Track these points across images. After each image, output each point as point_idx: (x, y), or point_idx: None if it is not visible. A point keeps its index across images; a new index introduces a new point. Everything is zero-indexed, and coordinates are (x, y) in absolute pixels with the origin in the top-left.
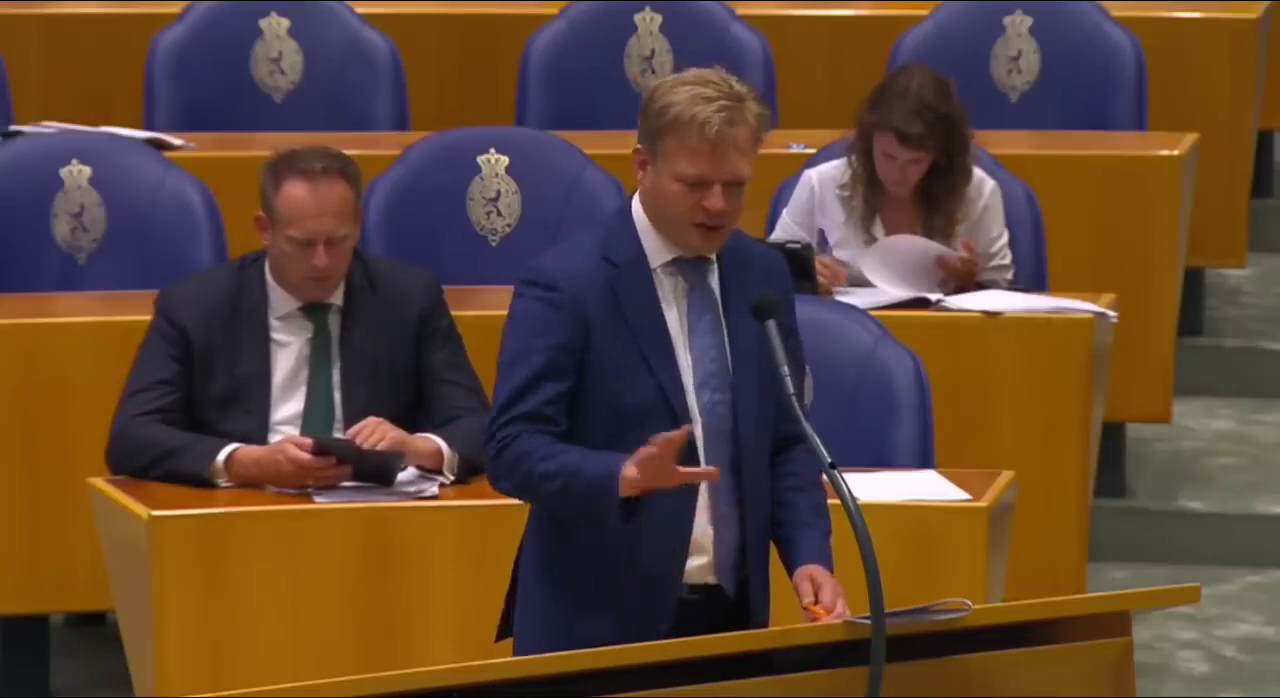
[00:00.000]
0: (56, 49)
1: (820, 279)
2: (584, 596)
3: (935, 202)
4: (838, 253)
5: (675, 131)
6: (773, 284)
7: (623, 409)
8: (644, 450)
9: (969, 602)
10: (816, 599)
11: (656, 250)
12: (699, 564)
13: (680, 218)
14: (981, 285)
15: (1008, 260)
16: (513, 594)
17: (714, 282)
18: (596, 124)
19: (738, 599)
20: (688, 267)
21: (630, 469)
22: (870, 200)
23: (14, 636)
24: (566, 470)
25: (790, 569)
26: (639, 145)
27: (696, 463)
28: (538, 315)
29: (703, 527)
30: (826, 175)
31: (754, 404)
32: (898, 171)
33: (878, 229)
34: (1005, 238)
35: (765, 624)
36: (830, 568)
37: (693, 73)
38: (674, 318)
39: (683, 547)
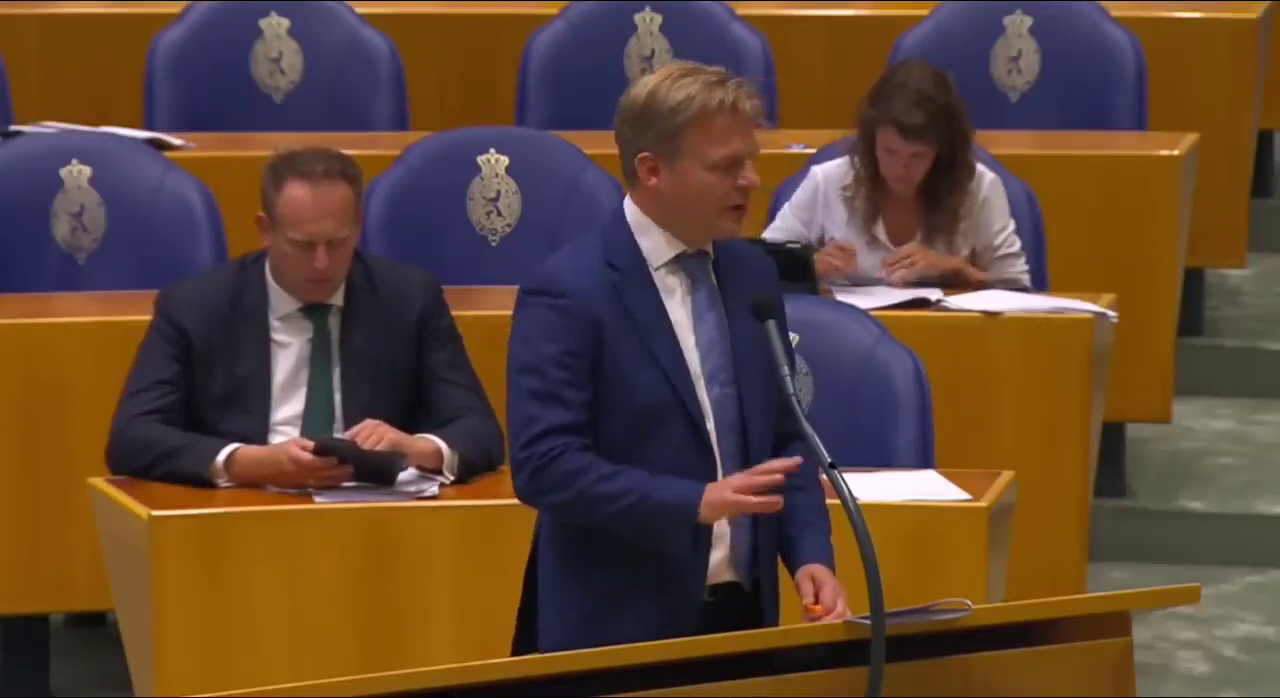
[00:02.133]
0: (56, 49)
1: (834, 262)
2: (609, 598)
3: (938, 198)
4: None
5: (699, 122)
6: (763, 284)
7: (639, 410)
8: (750, 496)
9: (969, 602)
10: (817, 599)
11: (657, 250)
12: (718, 561)
13: (715, 206)
14: (984, 284)
15: (1015, 248)
16: (524, 611)
17: (712, 277)
18: (596, 124)
19: (752, 596)
20: (691, 263)
21: (722, 494)
22: (873, 199)
23: (14, 636)
24: (633, 493)
25: (791, 569)
26: (644, 152)
27: (712, 458)
28: (550, 323)
29: (721, 524)
30: (831, 174)
31: (758, 397)
32: (901, 167)
33: (880, 230)
34: (1010, 227)
35: (776, 624)
36: (832, 567)
37: (673, 68)
38: (679, 315)
39: (706, 543)
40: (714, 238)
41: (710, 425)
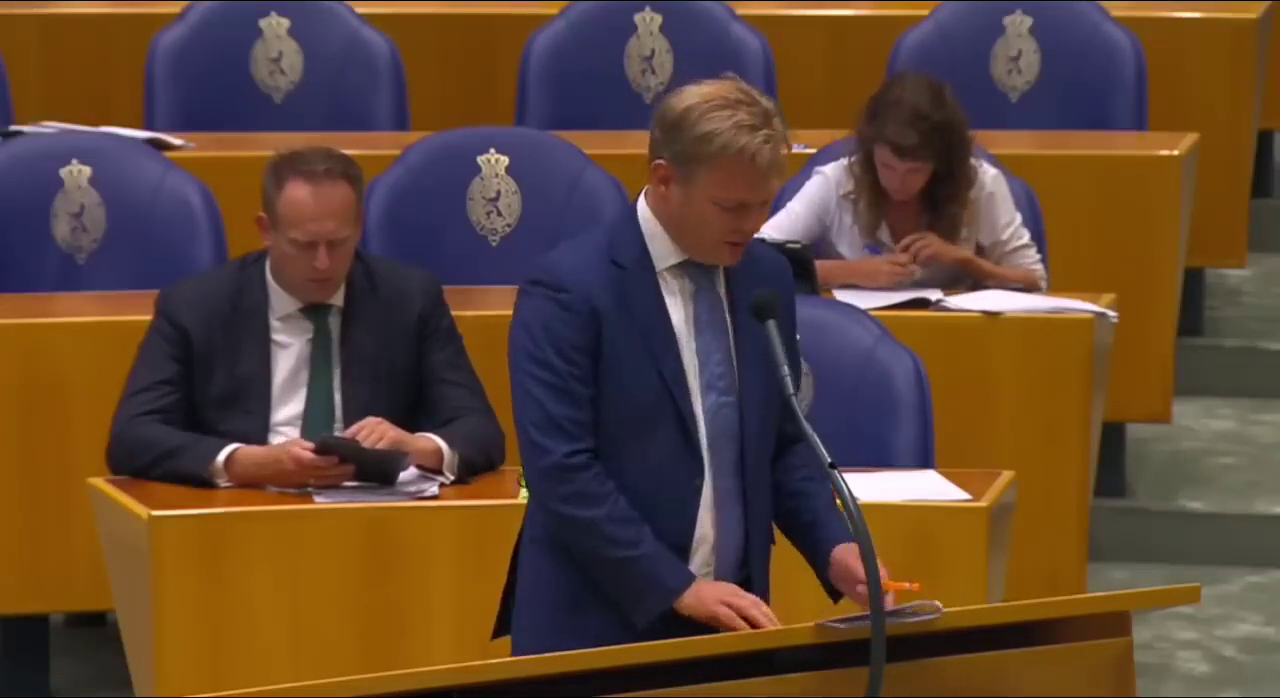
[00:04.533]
0: (56, 49)
1: (899, 271)
2: (583, 590)
3: (938, 207)
4: (842, 252)
5: (720, 162)
6: (775, 288)
7: (629, 408)
8: (733, 611)
9: (939, 604)
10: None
11: (663, 253)
12: (700, 566)
13: (713, 238)
14: (995, 275)
15: (1025, 239)
16: (509, 592)
17: (720, 285)
18: (596, 124)
19: None
20: (695, 269)
21: (698, 605)
22: (875, 206)
23: (14, 636)
24: (637, 547)
25: (822, 548)
26: (661, 160)
27: (700, 464)
28: (553, 315)
29: (705, 529)
30: (835, 176)
31: (759, 407)
32: (899, 181)
33: (884, 233)
34: (1017, 220)
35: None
36: None
37: (716, 90)
38: (680, 320)
39: (684, 548)
40: (708, 262)
41: (701, 432)
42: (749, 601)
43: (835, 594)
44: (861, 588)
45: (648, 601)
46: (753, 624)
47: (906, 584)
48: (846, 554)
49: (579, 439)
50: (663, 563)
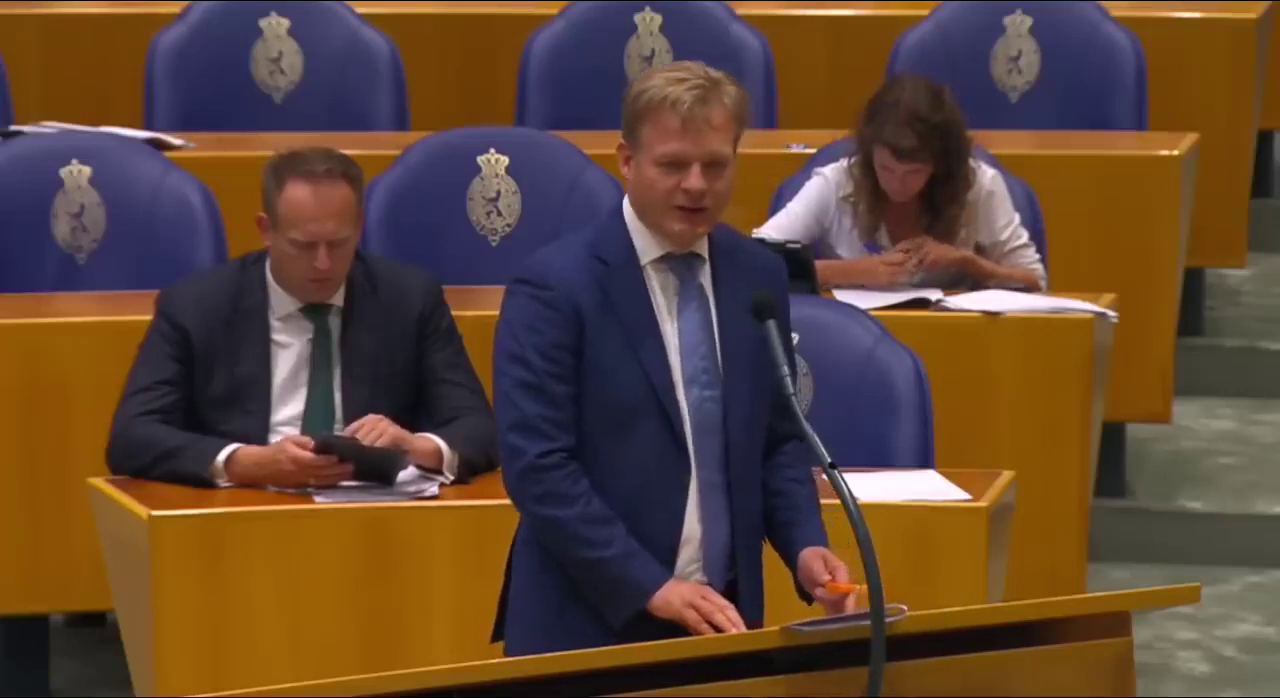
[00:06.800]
0: (56, 49)
1: (896, 273)
2: (570, 590)
3: (937, 209)
4: (841, 254)
5: (650, 115)
6: (769, 284)
7: (614, 405)
8: (699, 615)
9: (905, 607)
10: (834, 578)
11: (647, 247)
12: (686, 562)
13: (661, 202)
14: (995, 275)
15: (1024, 239)
16: (506, 594)
17: (705, 280)
18: (596, 124)
19: (726, 598)
20: (678, 263)
21: (666, 607)
22: (875, 209)
23: (14, 636)
24: (609, 549)
25: (793, 550)
26: (622, 141)
27: (687, 460)
28: (535, 313)
29: (691, 525)
30: (832, 179)
31: (744, 402)
32: (898, 183)
33: (882, 236)
34: (1015, 220)
35: (759, 623)
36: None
37: (675, 65)
38: (664, 314)
39: (672, 546)
40: (668, 238)
41: (687, 427)
42: (716, 605)
43: (807, 597)
44: (820, 591)
45: (619, 601)
46: (718, 629)
47: (858, 586)
48: (811, 557)
49: (553, 438)
50: (634, 564)
